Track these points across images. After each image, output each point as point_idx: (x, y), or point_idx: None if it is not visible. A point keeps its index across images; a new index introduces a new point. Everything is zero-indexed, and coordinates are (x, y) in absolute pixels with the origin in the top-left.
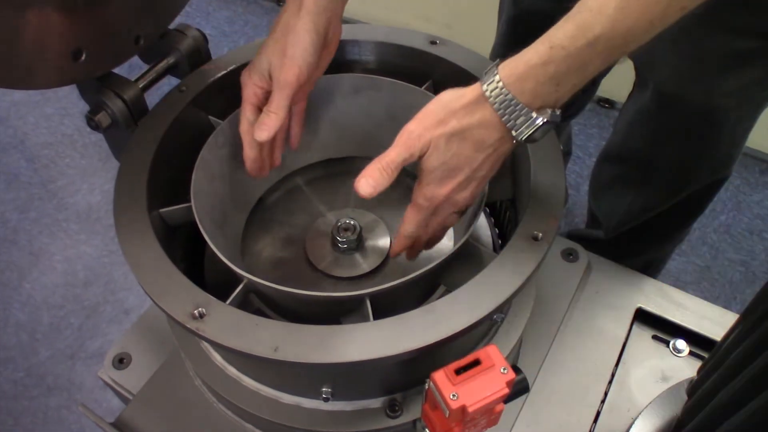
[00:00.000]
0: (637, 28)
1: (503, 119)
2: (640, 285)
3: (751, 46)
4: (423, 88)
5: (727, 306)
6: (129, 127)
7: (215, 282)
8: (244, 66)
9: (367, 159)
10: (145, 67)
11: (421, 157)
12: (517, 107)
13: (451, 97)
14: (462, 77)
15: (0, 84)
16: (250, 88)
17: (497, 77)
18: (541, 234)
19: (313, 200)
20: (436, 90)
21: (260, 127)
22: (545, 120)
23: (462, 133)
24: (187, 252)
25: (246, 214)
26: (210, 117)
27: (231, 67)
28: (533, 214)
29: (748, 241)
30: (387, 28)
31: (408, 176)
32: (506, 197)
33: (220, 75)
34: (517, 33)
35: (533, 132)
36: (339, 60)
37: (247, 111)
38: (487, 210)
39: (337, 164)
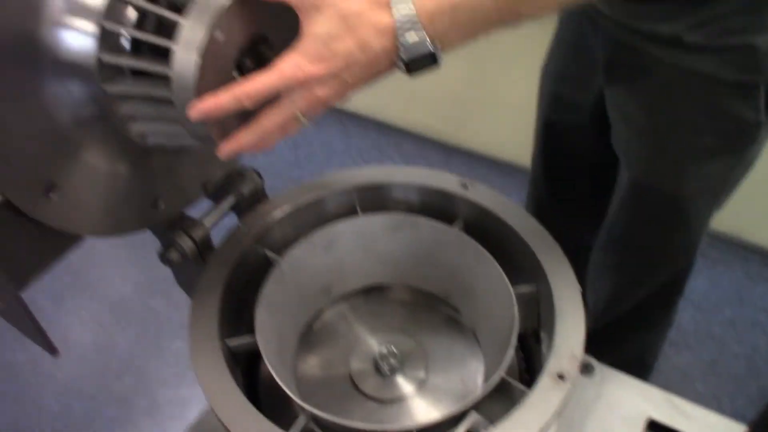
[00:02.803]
0: None
1: (398, 31)
2: (649, 396)
3: (710, 144)
4: (454, 226)
5: (733, 400)
6: (198, 263)
7: (268, 397)
8: (296, 207)
9: (404, 286)
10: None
11: (307, 21)
12: (416, 26)
13: None
14: (489, 219)
15: (94, 233)
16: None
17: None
18: (565, 373)
19: (355, 325)
20: (467, 228)
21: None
22: (433, 51)
23: (357, 18)
24: (243, 369)
25: (297, 339)
26: (266, 251)
27: (285, 207)
28: (557, 352)
29: (751, 335)
30: (425, 171)
31: (447, 306)
32: (532, 327)
33: (278, 215)
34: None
35: (419, 58)
36: (382, 198)
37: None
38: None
39: (377, 292)
